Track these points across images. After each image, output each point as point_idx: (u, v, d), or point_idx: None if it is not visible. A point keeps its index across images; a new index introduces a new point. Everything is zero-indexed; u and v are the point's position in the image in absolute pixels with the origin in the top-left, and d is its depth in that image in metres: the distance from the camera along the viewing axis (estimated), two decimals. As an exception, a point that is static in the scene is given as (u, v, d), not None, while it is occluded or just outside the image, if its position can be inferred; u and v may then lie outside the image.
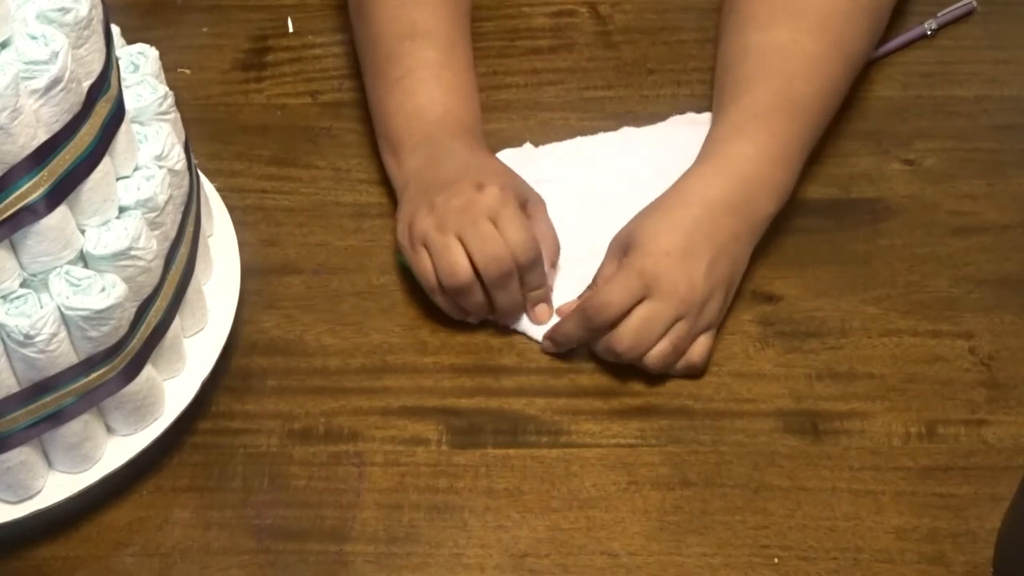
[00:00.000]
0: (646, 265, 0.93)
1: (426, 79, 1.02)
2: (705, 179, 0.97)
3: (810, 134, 1.02)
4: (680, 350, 0.94)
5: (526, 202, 0.97)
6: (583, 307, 0.94)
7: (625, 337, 0.93)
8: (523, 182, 0.99)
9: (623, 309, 0.93)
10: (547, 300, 0.98)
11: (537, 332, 0.98)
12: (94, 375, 0.84)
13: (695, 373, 0.95)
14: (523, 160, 1.05)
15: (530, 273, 0.95)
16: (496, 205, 0.94)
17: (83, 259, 0.83)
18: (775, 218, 1.04)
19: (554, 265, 0.99)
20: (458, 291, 0.95)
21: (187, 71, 1.15)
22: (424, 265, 0.95)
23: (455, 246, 0.94)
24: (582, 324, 0.94)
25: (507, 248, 0.93)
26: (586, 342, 0.96)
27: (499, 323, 0.98)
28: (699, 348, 0.95)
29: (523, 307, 0.97)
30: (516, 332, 0.98)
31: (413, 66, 1.03)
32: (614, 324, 0.93)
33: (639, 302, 0.93)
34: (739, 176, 0.97)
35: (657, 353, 0.93)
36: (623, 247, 0.96)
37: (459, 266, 0.93)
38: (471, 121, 1.03)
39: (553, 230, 0.99)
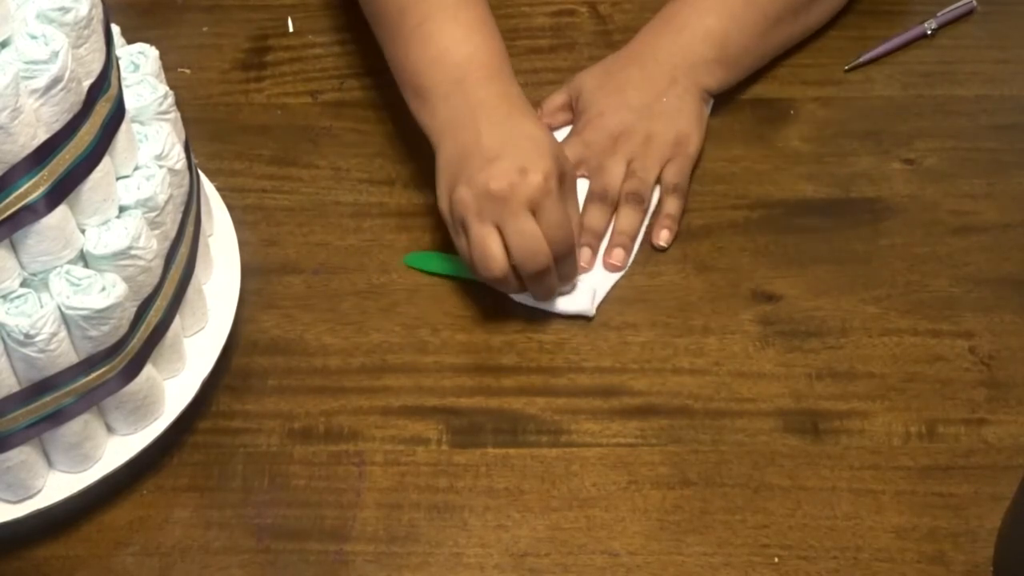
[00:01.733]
0: (585, 132, 1.04)
1: (444, 22, 1.01)
2: (645, 36, 1.09)
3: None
4: (640, 178, 1.03)
5: (563, 181, 0.97)
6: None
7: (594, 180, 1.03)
8: (560, 152, 0.97)
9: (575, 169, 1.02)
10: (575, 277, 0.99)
11: (567, 307, 0.98)
12: (94, 375, 0.84)
13: (679, 193, 1.03)
14: None
15: (564, 262, 0.96)
16: (538, 195, 0.93)
17: (83, 259, 0.83)
18: (775, 217, 1.04)
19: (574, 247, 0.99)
20: (493, 281, 0.95)
21: (187, 71, 1.15)
22: (462, 247, 0.96)
23: (492, 237, 0.93)
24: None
25: (545, 244, 0.93)
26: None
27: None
28: (668, 176, 1.04)
29: (555, 292, 0.98)
30: (520, 330, 0.98)
31: (428, 12, 1.01)
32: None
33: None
34: (673, 23, 1.07)
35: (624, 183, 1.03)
36: (574, 98, 1.07)
37: (495, 260, 0.94)
38: (499, 60, 1.01)
39: (577, 210, 1.00)
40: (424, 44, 1.01)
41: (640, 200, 1.03)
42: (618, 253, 1.01)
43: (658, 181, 1.05)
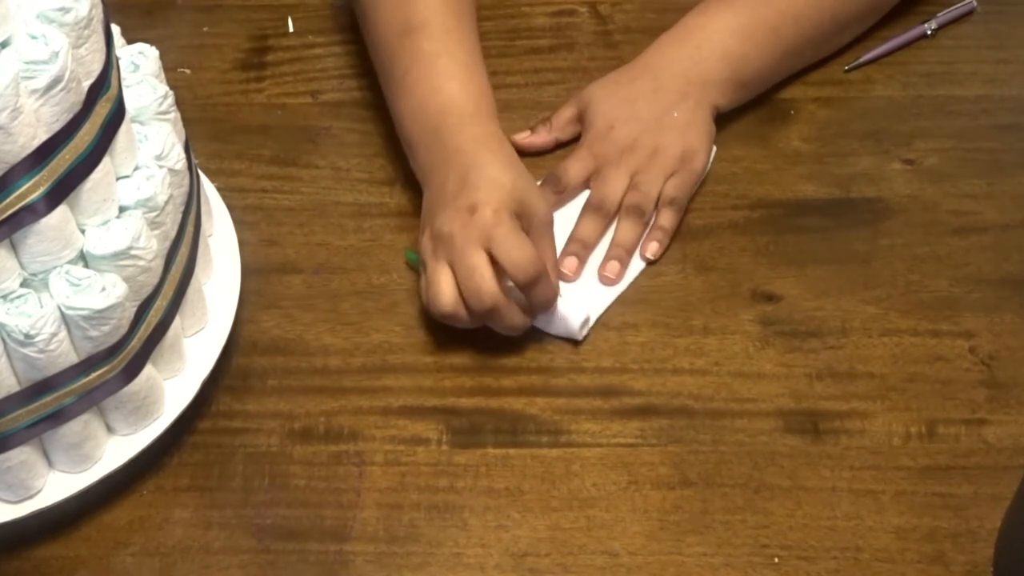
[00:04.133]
0: (595, 145, 1.04)
1: (423, 74, 1.01)
2: (659, 48, 1.08)
3: (780, 20, 1.08)
4: (643, 192, 1.02)
5: (526, 212, 0.95)
6: (547, 180, 1.03)
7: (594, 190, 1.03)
8: (525, 187, 0.96)
9: (581, 178, 1.04)
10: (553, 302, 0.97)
11: (555, 329, 0.97)
12: (94, 375, 0.84)
13: (676, 205, 1.03)
14: None
15: (534, 289, 0.94)
16: (488, 228, 0.92)
17: (83, 259, 0.83)
18: (775, 217, 1.04)
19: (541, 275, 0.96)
20: (444, 318, 0.95)
21: (187, 71, 1.15)
22: (421, 287, 0.96)
23: (442, 274, 0.93)
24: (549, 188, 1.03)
25: (492, 282, 0.92)
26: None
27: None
28: (668, 189, 1.03)
29: (517, 328, 0.96)
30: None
31: (410, 63, 1.02)
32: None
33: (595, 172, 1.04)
34: (691, 38, 1.07)
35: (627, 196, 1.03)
36: (583, 110, 1.08)
37: (442, 295, 0.93)
38: (474, 104, 1.01)
39: (554, 247, 0.98)
40: (408, 94, 1.02)
41: (641, 213, 1.02)
42: (613, 266, 1.01)
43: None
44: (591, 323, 0.98)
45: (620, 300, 1.00)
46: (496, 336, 0.98)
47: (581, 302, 0.98)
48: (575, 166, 1.04)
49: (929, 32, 1.17)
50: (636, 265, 1.02)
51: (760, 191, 1.06)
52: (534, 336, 0.98)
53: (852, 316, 0.99)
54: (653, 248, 1.02)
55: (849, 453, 0.92)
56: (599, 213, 1.02)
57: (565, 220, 1.02)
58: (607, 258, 1.01)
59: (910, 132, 1.10)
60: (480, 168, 0.96)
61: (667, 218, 1.03)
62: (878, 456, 0.92)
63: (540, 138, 1.09)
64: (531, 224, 0.96)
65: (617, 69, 1.09)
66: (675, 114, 1.04)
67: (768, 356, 0.97)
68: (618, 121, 1.05)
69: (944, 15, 1.17)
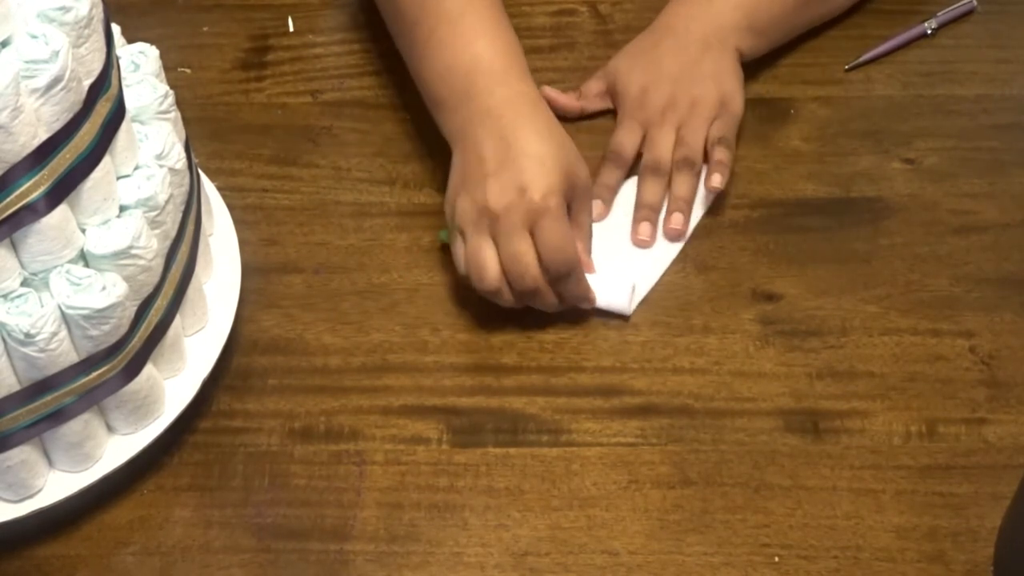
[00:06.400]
0: (635, 113, 1.06)
1: (448, 34, 1.01)
2: (673, 9, 1.10)
3: None
4: (689, 143, 1.04)
5: (571, 183, 0.96)
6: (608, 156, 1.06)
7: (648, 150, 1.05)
8: (566, 156, 0.97)
9: (635, 148, 1.05)
10: (586, 299, 0.98)
11: (604, 303, 0.98)
12: (95, 374, 0.84)
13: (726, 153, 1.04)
14: None
15: (565, 282, 0.95)
16: (535, 215, 0.93)
17: (84, 258, 0.83)
18: (775, 217, 1.04)
19: (587, 251, 0.99)
20: (485, 293, 0.96)
21: (188, 70, 1.15)
22: (458, 254, 0.97)
23: (488, 251, 0.94)
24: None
25: (536, 266, 0.94)
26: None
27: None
28: (713, 131, 1.04)
29: (556, 306, 0.97)
30: (520, 330, 0.98)
31: (435, 24, 1.02)
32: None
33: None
34: None
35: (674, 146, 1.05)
36: (611, 84, 1.09)
37: (489, 273, 0.94)
38: (505, 61, 1.01)
39: (591, 216, 1.00)
40: (435, 55, 1.02)
41: (692, 165, 1.04)
42: (677, 217, 1.02)
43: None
44: (639, 298, 0.99)
45: (620, 299, 1.00)
46: (497, 335, 0.98)
47: (627, 278, 0.99)
48: (627, 138, 1.06)
49: (929, 32, 1.17)
50: (696, 213, 1.04)
51: (760, 190, 1.06)
52: (535, 335, 0.98)
53: (852, 315, 0.99)
54: (716, 179, 1.03)
55: (849, 452, 0.92)
56: (657, 174, 1.04)
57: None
58: (669, 211, 1.03)
59: (910, 132, 1.10)
60: (521, 139, 0.96)
61: (721, 153, 1.04)
62: (878, 455, 0.92)
63: (569, 101, 1.10)
64: (575, 192, 0.97)
65: (635, 38, 1.11)
66: (702, 65, 1.06)
67: (768, 355, 0.97)
68: (650, 84, 1.07)
69: (944, 15, 1.17)
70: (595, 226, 1.01)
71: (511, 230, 0.93)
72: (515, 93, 0.99)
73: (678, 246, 1.03)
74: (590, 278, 0.98)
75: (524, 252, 0.93)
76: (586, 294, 0.97)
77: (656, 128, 1.05)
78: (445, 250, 1.02)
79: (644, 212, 1.03)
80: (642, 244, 1.02)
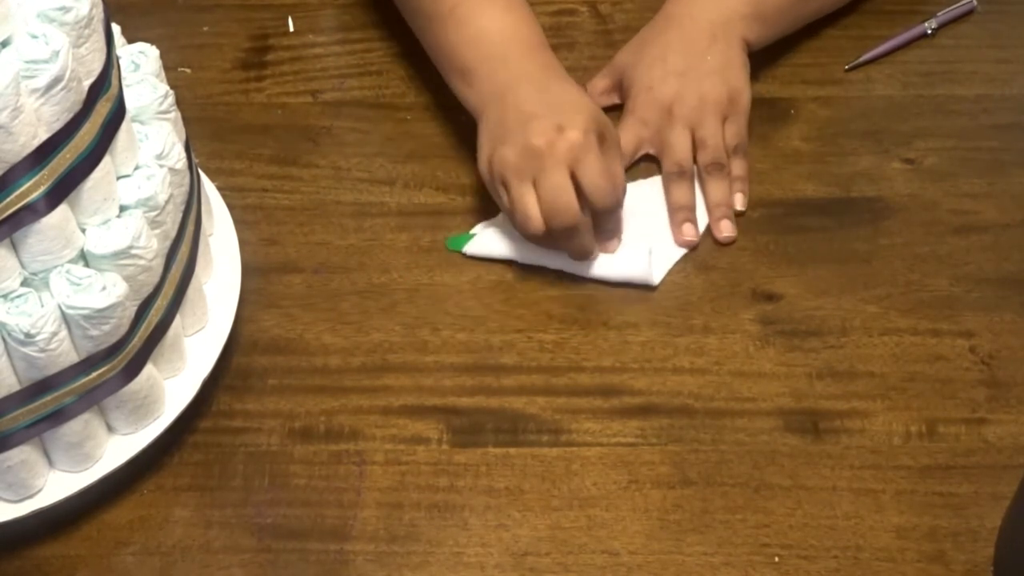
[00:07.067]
0: (639, 110, 1.06)
1: (474, 7, 1.03)
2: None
3: None
4: (712, 145, 1.04)
5: (604, 134, 0.98)
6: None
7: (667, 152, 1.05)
8: (600, 115, 0.99)
9: (633, 145, 1.06)
10: (618, 237, 1.01)
11: (625, 273, 1.00)
12: (95, 374, 0.84)
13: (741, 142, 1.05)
14: None
15: (608, 218, 0.98)
16: (576, 151, 0.95)
17: (84, 258, 0.83)
18: (775, 217, 1.04)
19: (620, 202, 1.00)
20: (532, 239, 0.98)
21: (188, 70, 1.15)
22: (504, 206, 0.98)
23: (529, 196, 0.96)
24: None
25: (574, 200, 0.95)
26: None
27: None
28: (729, 137, 1.05)
29: (591, 253, 0.99)
30: (520, 330, 0.98)
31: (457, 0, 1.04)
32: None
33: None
34: None
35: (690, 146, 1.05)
36: (617, 80, 1.09)
37: (531, 219, 0.96)
38: (536, 34, 1.04)
39: (621, 168, 1.00)
40: (461, 26, 1.04)
41: (721, 167, 1.05)
42: (726, 224, 1.03)
43: None
44: (664, 268, 1.01)
45: (620, 299, 1.00)
46: (496, 335, 0.98)
47: (644, 246, 1.01)
48: (626, 135, 1.06)
49: (929, 32, 1.17)
50: (704, 218, 1.05)
51: (760, 190, 1.06)
52: (535, 335, 0.98)
53: (852, 315, 0.99)
54: (740, 199, 1.05)
55: (849, 452, 0.92)
56: (683, 176, 1.05)
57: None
58: (715, 219, 1.04)
59: (910, 131, 1.10)
60: (558, 91, 0.99)
61: (740, 166, 1.05)
62: (878, 455, 0.92)
63: None
64: (608, 144, 0.98)
65: (640, 31, 1.11)
66: (708, 58, 1.06)
67: (768, 355, 0.97)
68: (655, 80, 1.06)
69: (944, 15, 1.17)
70: None
71: (551, 166, 0.95)
72: (549, 62, 1.03)
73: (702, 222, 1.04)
74: (609, 256, 1.00)
75: (563, 187, 0.95)
76: (619, 231, 1.00)
77: (668, 130, 1.05)
78: (446, 250, 1.02)
79: (683, 214, 1.03)
80: (688, 245, 1.02)
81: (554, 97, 0.99)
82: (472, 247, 1.02)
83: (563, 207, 0.95)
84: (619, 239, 1.01)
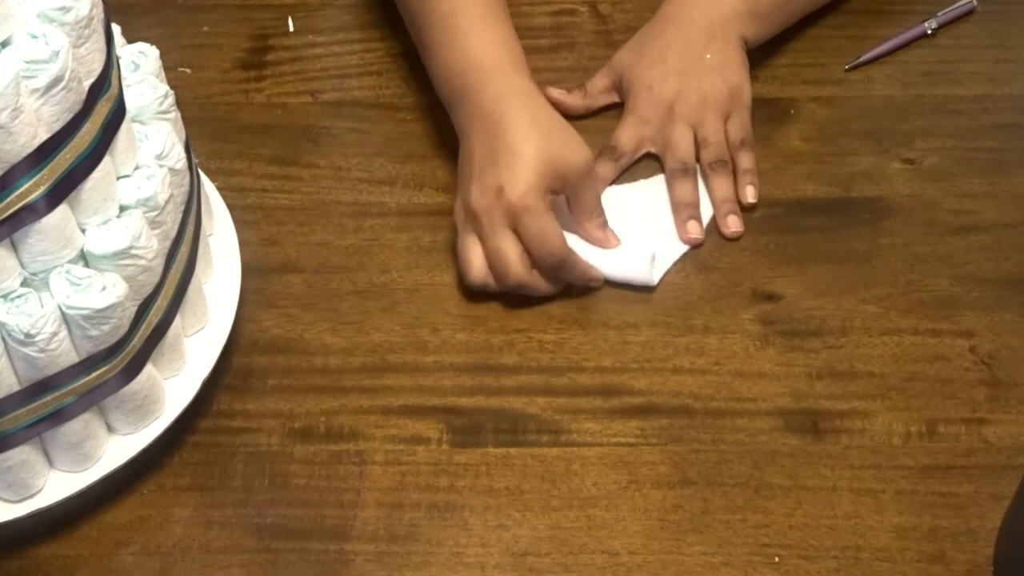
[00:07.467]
0: (639, 109, 1.07)
1: (442, 35, 1.04)
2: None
3: None
4: (715, 143, 1.05)
5: (559, 173, 0.96)
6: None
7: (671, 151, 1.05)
8: (554, 148, 0.97)
9: (633, 143, 1.06)
10: (592, 280, 1.00)
11: (625, 274, 1.00)
12: (95, 374, 0.84)
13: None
14: None
15: (560, 272, 0.98)
16: (515, 212, 0.95)
17: (84, 258, 0.83)
18: (775, 217, 1.04)
19: (604, 226, 1.00)
20: (475, 288, 0.98)
21: (188, 70, 1.15)
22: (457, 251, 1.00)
23: (472, 246, 0.97)
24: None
25: (517, 263, 0.96)
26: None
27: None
28: (733, 132, 1.06)
29: (551, 291, 0.99)
30: (520, 330, 0.99)
31: (431, 26, 1.04)
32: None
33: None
34: None
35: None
36: (616, 79, 1.10)
37: (472, 267, 0.97)
38: (493, 59, 1.01)
39: (598, 198, 1.00)
40: (434, 58, 1.05)
41: (725, 164, 1.05)
42: (733, 220, 1.04)
43: None
44: (663, 268, 1.01)
45: (620, 299, 1.00)
46: (496, 335, 0.98)
47: (647, 248, 1.00)
48: (626, 133, 1.07)
49: (929, 31, 1.17)
50: (708, 211, 1.05)
51: (760, 190, 1.06)
52: (535, 335, 0.98)
53: (852, 315, 0.99)
54: (751, 192, 1.05)
55: (849, 452, 0.92)
56: (686, 174, 1.05)
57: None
58: (722, 214, 1.04)
59: (910, 131, 1.10)
60: (505, 139, 0.97)
61: (747, 159, 1.06)
62: (878, 455, 0.92)
63: (575, 100, 1.11)
64: (568, 179, 0.97)
65: (639, 31, 1.11)
66: (708, 56, 1.06)
67: (768, 355, 0.97)
68: (655, 80, 1.07)
69: (944, 14, 1.17)
70: (613, 206, 1.02)
71: (492, 229, 0.96)
72: (506, 89, 0.99)
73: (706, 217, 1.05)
74: (609, 253, 1.00)
75: (504, 249, 0.96)
76: (588, 274, 0.99)
77: (670, 128, 1.06)
78: (446, 250, 1.02)
79: (687, 211, 1.04)
80: (693, 242, 1.03)
81: (498, 146, 0.97)
82: None
83: (505, 270, 0.96)
84: (594, 277, 1.00)
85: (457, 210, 0.99)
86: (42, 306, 0.80)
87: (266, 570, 0.88)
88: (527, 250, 0.96)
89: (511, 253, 0.96)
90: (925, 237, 1.04)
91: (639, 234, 1.02)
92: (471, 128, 0.99)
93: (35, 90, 0.76)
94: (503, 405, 0.95)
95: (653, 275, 1.00)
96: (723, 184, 1.05)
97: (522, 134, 0.97)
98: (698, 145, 1.06)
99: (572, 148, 0.98)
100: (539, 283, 0.98)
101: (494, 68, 1.01)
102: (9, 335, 0.80)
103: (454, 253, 1.01)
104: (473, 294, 1.00)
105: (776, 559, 0.88)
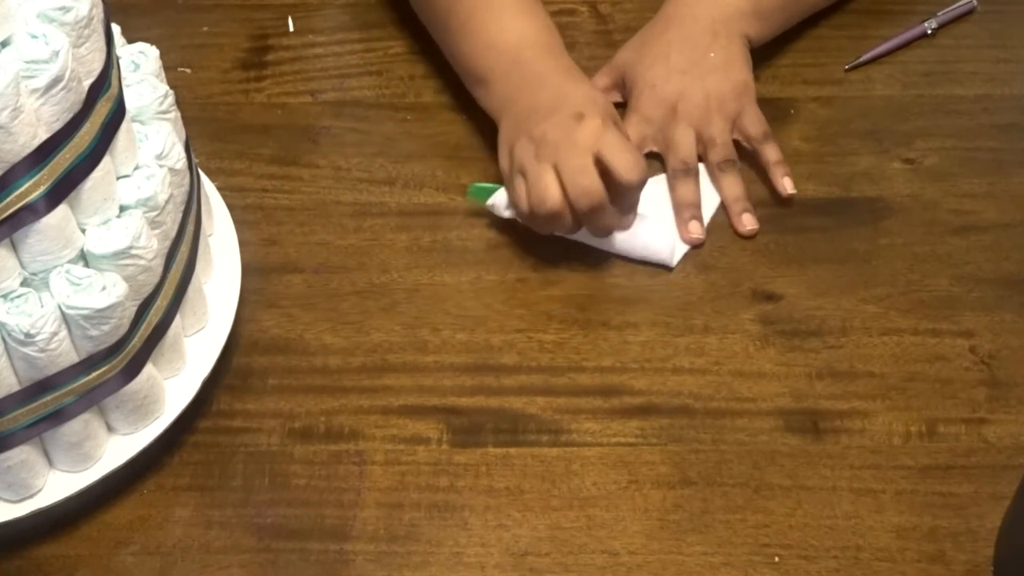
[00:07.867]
0: (642, 108, 1.07)
1: (488, 15, 1.05)
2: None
3: None
4: (721, 143, 1.05)
5: (620, 129, 0.99)
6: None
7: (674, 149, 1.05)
8: (615, 112, 1.01)
9: (636, 143, 1.04)
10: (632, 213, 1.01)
11: (647, 253, 1.01)
12: (95, 374, 0.84)
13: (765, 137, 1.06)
14: None
15: (635, 193, 0.98)
16: (595, 134, 0.96)
17: (84, 258, 0.83)
18: (775, 217, 1.04)
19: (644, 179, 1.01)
20: (548, 217, 0.97)
21: (188, 70, 1.15)
22: (519, 192, 0.99)
23: (549, 175, 0.96)
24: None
25: (599, 182, 0.96)
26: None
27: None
28: (750, 128, 1.06)
29: (617, 228, 1.00)
30: (520, 330, 0.98)
31: (472, 9, 1.05)
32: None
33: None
34: None
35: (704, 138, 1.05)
36: (619, 78, 1.10)
37: (550, 193, 0.96)
38: (548, 37, 1.05)
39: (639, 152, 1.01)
40: (475, 35, 1.05)
41: (733, 163, 1.05)
42: (748, 218, 1.04)
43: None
44: (681, 252, 1.02)
45: (620, 299, 1.00)
46: (496, 335, 0.98)
47: (670, 230, 1.02)
48: (629, 131, 1.05)
49: (929, 31, 1.17)
50: (713, 202, 1.05)
51: (760, 190, 1.06)
52: (535, 335, 0.98)
53: (852, 315, 0.99)
54: (788, 183, 1.05)
55: (849, 452, 0.92)
56: (688, 174, 1.05)
57: None
58: (735, 213, 1.04)
59: (910, 131, 1.10)
60: (574, 87, 1.00)
61: (773, 151, 1.06)
62: (878, 455, 0.92)
63: None
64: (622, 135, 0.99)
65: (641, 30, 1.11)
66: (711, 55, 1.06)
67: (768, 355, 0.97)
68: (658, 79, 1.07)
69: (944, 14, 1.17)
70: None
71: (572, 149, 0.96)
72: (563, 63, 1.03)
73: (716, 203, 1.05)
74: (634, 228, 1.00)
75: (587, 166, 0.96)
76: (635, 208, 1.00)
77: (672, 127, 1.06)
78: (446, 250, 1.02)
79: (689, 211, 1.04)
80: (694, 243, 1.03)
81: (569, 92, 1.00)
82: (497, 198, 1.02)
83: (588, 186, 0.96)
84: (648, 239, 1.01)
85: (522, 151, 0.98)
86: (42, 306, 0.80)
87: (266, 570, 0.88)
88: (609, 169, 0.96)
89: (594, 170, 0.96)
90: (925, 237, 1.04)
91: (660, 211, 1.03)
92: (530, 86, 1.01)
93: (35, 90, 0.76)
94: (503, 405, 0.95)
95: (675, 255, 1.01)
96: (733, 183, 1.05)
97: (588, 88, 1.02)
98: (704, 145, 1.05)
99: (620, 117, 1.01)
100: (612, 210, 0.98)
101: (550, 46, 1.04)
102: (9, 335, 0.80)
103: (454, 253, 1.01)
104: (473, 294, 1.00)
105: (776, 559, 0.88)
